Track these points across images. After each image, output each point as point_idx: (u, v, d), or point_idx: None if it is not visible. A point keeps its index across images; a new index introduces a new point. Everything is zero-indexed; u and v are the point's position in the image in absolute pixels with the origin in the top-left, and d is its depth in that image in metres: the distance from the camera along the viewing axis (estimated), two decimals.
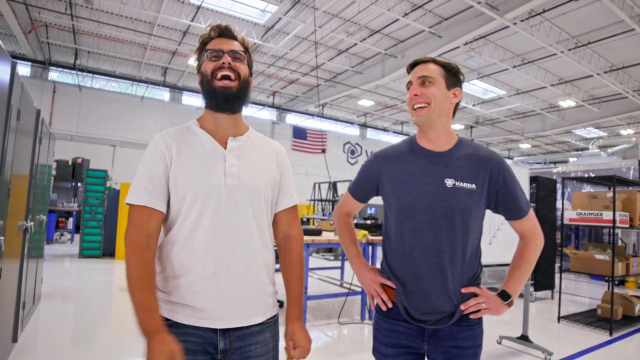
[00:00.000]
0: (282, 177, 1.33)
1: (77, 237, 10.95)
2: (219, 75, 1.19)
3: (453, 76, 1.37)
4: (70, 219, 10.69)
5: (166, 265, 1.16)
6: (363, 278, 1.48)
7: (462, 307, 1.32)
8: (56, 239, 10.69)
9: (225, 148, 1.21)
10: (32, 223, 3.40)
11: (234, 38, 1.26)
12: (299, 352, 1.26)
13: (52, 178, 11.30)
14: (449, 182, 1.32)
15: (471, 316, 1.34)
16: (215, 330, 1.14)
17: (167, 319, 1.12)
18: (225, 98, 1.20)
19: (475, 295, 1.35)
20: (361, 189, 1.54)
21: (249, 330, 1.18)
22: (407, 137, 1.51)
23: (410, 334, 1.37)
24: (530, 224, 1.41)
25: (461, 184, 1.32)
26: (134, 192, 1.14)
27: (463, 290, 1.33)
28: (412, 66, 1.40)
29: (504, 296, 1.36)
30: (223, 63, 1.20)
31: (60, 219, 10.58)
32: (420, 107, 1.34)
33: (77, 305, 4.77)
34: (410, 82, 1.38)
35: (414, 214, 1.33)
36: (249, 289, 1.18)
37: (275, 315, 1.28)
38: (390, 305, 1.40)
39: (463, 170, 1.34)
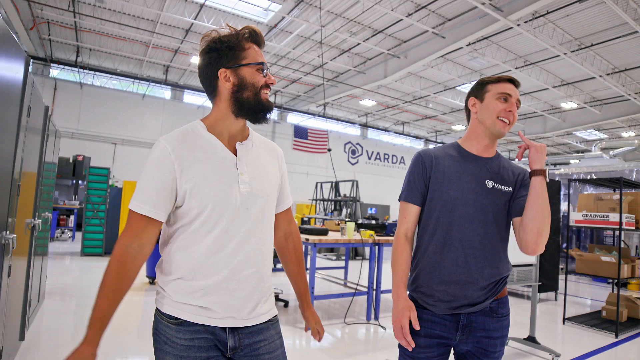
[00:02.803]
0: (282, 179, 1.38)
1: (78, 234, 10.93)
2: (265, 90, 1.21)
3: None
4: (72, 217, 10.66)
5: (177, 269, 1.16)
6: (396, 308, 1.47)
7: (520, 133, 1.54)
8: (57, 237, 10.66)
9: (234, 153, 1.21)
10: (39, 221, 3.38)
11: (263, 46, 1.26)
12: (322, 331, 1.49)
13: None
14: (489, 184, 1.47)
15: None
16: (224, 329, 1.17)
17: (177, 318, 1.14)
18: (268, 111, 1.22)
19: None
20: (417, 189, 1.52)
21: (256, 328, 1.22)
22: (449, 143, 1.63)
23: (445, 325, 1.45)
24: None
25: (500, 186, 1.48)
26: (138, 200, 1.13)
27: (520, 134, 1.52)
28: (505, 80, 1.50)
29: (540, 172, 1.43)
30: (272, 83, 1.23)
31: (61, 217, 10.55)
32: (505, 123, 1.47)
33: (79, 304, 4.75)
34: (508, 95, 1.48)
35: (457, 208, 1.45)
36: (257, 290, 1.22)
37: (277, 314, 1.32)
38: (413, 345, 1.43)
39: (502, 176, 1.50)
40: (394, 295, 1.51)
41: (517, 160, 1.59)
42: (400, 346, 1.51)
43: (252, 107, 1.20)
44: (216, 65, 1.18)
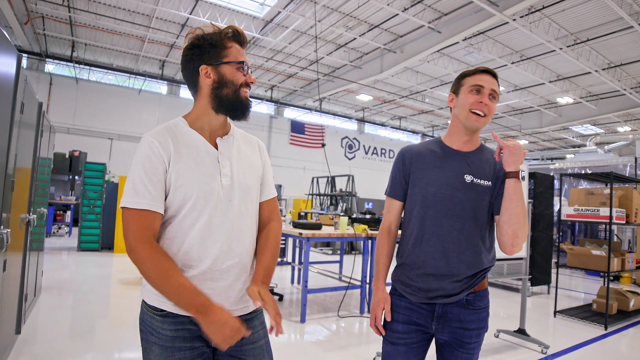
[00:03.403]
0: (265, 171, 1.40)
1: (75, 230, 10.94)
2: (245, 88, 1.24)
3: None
4: (68, 212, 10.66)
5: None
6: (374, 299, 1.58)
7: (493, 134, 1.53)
8: (54, 232, 10.66)
9: (215, 148, 1.24)
10: (34, 216, 3.40)
11: (245, 46, 1.28)
12: (274, 306, 1.19)
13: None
14: (468, 178, 1.47)
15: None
16: None
17: (162, 310, 1.17)
18: (248, 109, 1.26)
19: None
20: (399, 185, 1.59)
21: (240, 319, 1.21)
22: (433, 137, 1.65)
23: (422, 313, 1.50)
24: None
25: (479, 180, 1.47)
26: (135, 195, 1.12)
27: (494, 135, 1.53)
28: (480, 72, 1.49)
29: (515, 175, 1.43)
30: (252, 82, 1.25)
31: (57, 212, 10.56)
32: (479, 115, 1.46)
33: (76, 298, 4.78)
34: (480, 87, 1.47)
35: (435, 203, 1.47)
36: (240, 281, 1.24)
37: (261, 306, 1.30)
38: (383, 333, 1.55)
39: (482, 170, 1.49)
40: (373, 286, 1.60)
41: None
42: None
43: (231, 104, 1.23)
44: (198, 62, 1.21)
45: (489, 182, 1.48)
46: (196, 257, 1.18)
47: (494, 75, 1.49)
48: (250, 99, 1.28)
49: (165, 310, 1.17)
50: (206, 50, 1.20)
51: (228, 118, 1.30)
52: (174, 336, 1.16)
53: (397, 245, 1.64)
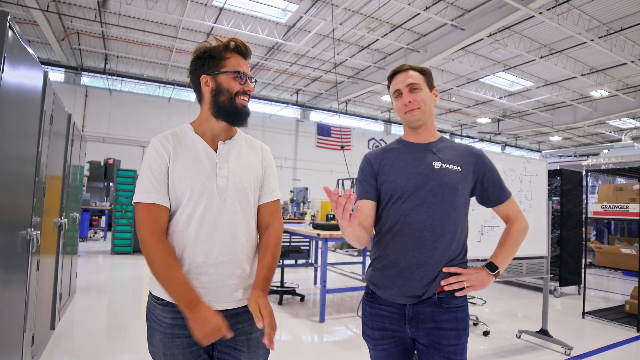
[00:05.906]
0: (266, 174, 1.46)
1: (109, 234, 11.44)
2: (242, 96, 1.33)
3: (430, 79, 1.56)
4: (103, 218, 11.16)
5: None
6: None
7: (442, 282, 1.40)
8: (90, 237, 11.19)
9: (216, 151, 1.34)
10: (66, 220, 3.63)
11: (248, 57, 1.38)
12: (269, 321, 1.20)
13: (86, 179, 11.82)
14: (437, 164, 1.48)
15: (456, 294, 1.41)
16: None
17: (162, 299, 1.27)
18: (245, 116, 1.35)
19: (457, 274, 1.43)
20: (366, 188, 1.56)
21: (234, 312, 1.31)
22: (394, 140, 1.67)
23: (393, 317, 1.45)
24: (514, 208, 1.56)
25: (448, 165, 1.48)
26: (143, 191, 1.25)
27: (444, 270, 1.41)
28: (393, 75, 1.55)
29: (491, 267, 1.46)
30: (250, 90, 1.35)
31: (93, 218, 11.07)
32: (411, 112, 1.50)
33: (110, 298, 5.04)
34: (398, 91, 1.52)
35: (406, 193, 1.46)
36: (234, 276, 1.31)
37: None
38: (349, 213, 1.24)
39: (449, 156, 1.51)
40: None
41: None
42: (364, 336, 1.55)
43: (227, 110, 1.33)
44: (199, 72, 1.33)
45: (457, 167, 1.48)
46: (190, 252, 1.27)
47: (403, 70, 1.52)
48: (247, 107, 1.36)
49: (165, 300, 1.27)
50: (206, 62, 1.32)
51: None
52: (173, 324, 1.26)
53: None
